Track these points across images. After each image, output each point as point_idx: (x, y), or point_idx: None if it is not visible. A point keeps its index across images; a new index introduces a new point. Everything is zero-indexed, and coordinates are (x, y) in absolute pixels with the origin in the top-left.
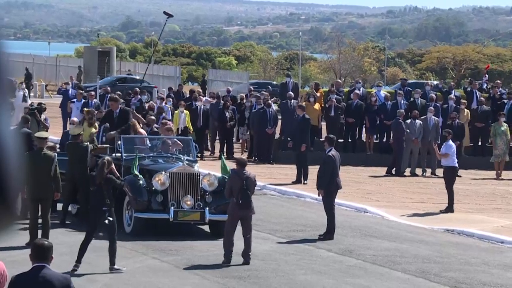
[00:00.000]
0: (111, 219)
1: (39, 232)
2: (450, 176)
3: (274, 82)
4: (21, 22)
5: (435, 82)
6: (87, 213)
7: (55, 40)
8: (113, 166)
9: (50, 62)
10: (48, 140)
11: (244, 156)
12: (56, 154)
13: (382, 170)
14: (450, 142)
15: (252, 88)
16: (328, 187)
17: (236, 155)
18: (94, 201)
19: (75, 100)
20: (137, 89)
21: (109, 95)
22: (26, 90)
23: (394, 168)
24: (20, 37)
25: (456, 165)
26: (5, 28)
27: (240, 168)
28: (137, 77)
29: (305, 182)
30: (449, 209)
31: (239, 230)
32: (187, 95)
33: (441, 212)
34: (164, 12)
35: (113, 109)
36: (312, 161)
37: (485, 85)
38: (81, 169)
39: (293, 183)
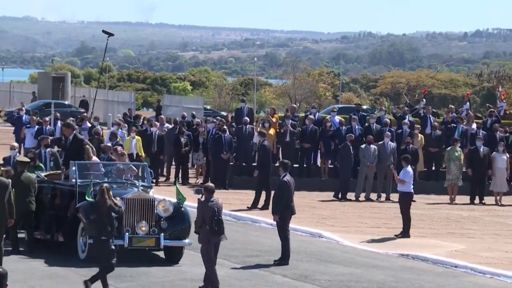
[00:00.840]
0: (113, 247)
1: None
2: (406, 202)
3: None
4: None
5: (364, 107)
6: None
7: (9, 66)
8: (110, 192)
9: (3, 88)
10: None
11: (200, 181)
12: (10, 180)
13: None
14: (408, 168)
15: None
16: (283, 212)
17: (191, 181)
18: (95, 229)
19: (29, 126)
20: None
21: (59, 121)
22: None
23: (340, 193)
24: None
25: (412, 191)
26: None
27: (209, 195)
28: (66, 102)
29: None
30: (405, 234)
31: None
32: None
33: (396, 236)
34: (103, 31)
35: (66, 135)
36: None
37: (423, 110)
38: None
39: (249, 208)
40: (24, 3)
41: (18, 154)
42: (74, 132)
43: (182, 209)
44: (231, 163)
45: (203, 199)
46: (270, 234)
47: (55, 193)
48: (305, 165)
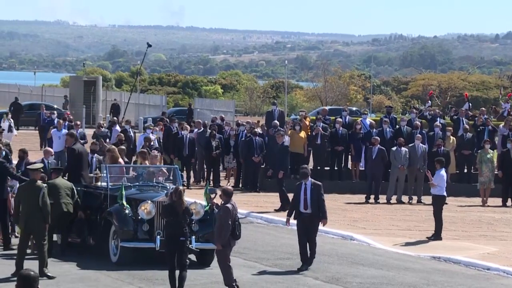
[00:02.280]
0: (194, 248)
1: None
2: (438, 205)
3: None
4: (7, 52)
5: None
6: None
7: (41, 70)
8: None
9: (35, 92)
10: (41, 171)
11: (230, 184)
12: (45, 185)
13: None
14: (442, 171)
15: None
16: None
17: (222, 183)
18: (172, 231)
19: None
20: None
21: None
22: (12, 121)
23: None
24: (5, 67)
25: (445, 194)
26: None
27: (228, 198)
28: (55, 106)
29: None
30: (437, 236)
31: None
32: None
33: (428, 239)
34: (148, 44)
35: (68, 144)
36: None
37: (428, 112)
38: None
39: (276, 210)
40: (54, 7)
41: (53, 159)
42: (75, 143)
43: (214, 212)
44: (262, 166)
45: (221, 202)
46: None
47: (87, 197)
48: (336, 168)
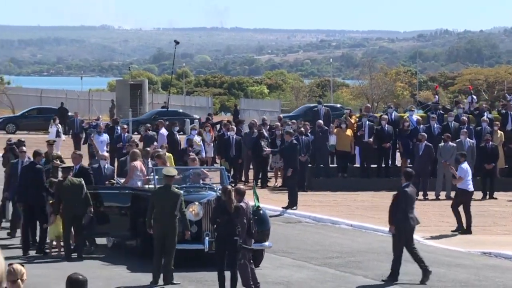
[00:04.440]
0: (248, 246)
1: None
2: (464, 199)
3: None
4: (54, 58)
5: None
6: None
7: (88, 75)
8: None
9: (82, 96)
10: (175, 177)
11: (278, 184)
12: (182, 192)
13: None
14: (464, 165)
15: (282, 116)
16: (399, 224)
17: (269, 184)
18: (224, 231)
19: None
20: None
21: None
22: (60, 126)
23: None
24: (53, 72)
25: (471, 188)
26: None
27: (240, 197)
28: (180, 110)
29: (295, 207)
30: (460, 229)
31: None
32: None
33: (453, 232)
34: (175, 41)
35: (74, 164)
36: (342, 187)
37: (434, 106)
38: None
39: (284, 208)
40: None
41: (107, 164)
42: (80, 164)
43: (261, 212)
44: (309, 165)
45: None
46: (350, 235)
47: (134, 199)
48: (383, 165)
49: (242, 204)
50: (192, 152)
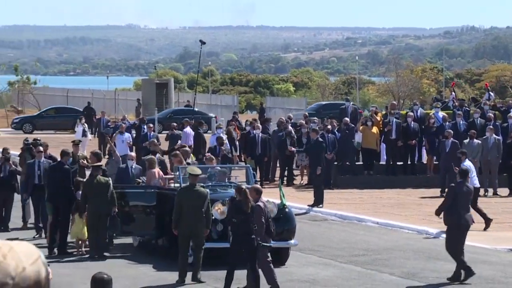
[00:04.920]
0: (268, 244)
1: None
2: (474, 195)
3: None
4: (80, 58)
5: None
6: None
7: (114, 74)
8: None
9: (109, 96)
10: (200, 176)
11: (304, 181)
12: (208, 190)
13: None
14: (466, 162)
15: (307, 114)
16: (451, 223)
17: (296, 182)
18: (241, 230)
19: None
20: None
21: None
22: (86, 125)
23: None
24: (79, 72)
25: (477, 184)
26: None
27: (258, 196)
28: (196, 109)
29: (321, 205)
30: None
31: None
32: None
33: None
34: (200, 41)
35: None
36: (368, 185)
37: (452, 102)
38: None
39: (310, 206)
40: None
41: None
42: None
43: (287, 210)
44: (335, 163)
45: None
46: (376, 233)
47: (160, 198)
48: (409, 162)
49: (260, 203)
50: (224, 151)
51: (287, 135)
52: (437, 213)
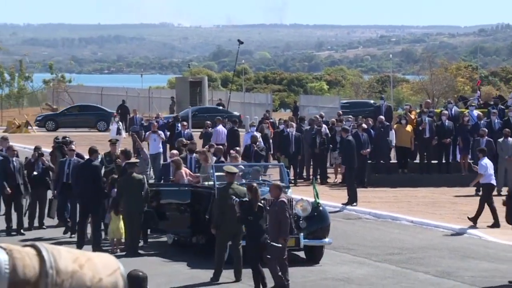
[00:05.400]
0: (278, 245)
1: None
2: (485, 193)
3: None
4: (114, 56)
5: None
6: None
7: (148, 72)
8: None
9: (143, 94)
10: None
11: (338, 180)
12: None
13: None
14: (483, 160)
15: (341, 112)
16: None
17: (329, 180)
18: (252, 229)
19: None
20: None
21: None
22: (121, 123)
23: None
24: (113, 70)
25: (493, 182)
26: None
27: (280, 193)
28: (220, 107)
29: (355, 204)
30: (474, 220)
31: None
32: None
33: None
34: (238, 40)
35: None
36: (402, 183)
37: (477, 101)
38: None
39: (344, 204)
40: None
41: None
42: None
43: (321, 208)
44: (369, 161)
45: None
46: (411, 232)
47: (194, 196)
48: (444, 161)
49: (283, 199)
50: (257, 148)
51: (317, 134)
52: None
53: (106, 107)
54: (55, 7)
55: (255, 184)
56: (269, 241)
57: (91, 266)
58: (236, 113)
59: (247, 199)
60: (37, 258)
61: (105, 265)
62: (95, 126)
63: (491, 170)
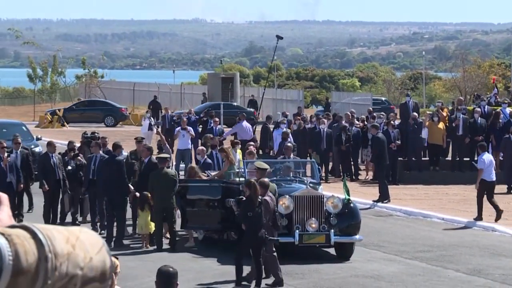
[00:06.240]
0: (274, 238)
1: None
2: (483, 188)
3: (383, 98)
4: (147, 52)
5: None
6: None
7: (180, 68)
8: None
9: (175, 90)
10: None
11: (369, 177)
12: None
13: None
14: (484, 156)
15: (372, 109)
16: None
17: (361, 177)
18: (252, 224)
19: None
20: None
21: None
22: (152, 119)
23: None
24: (146, 66)
25: (492, 178)
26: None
27: (265, 191)
28: (234, 103)
29: (386, 201)
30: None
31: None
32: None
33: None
34: (277, 36)
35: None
36: (433, 181)
37: (494, 98)
38: None
39: (375, 201)
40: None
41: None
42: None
43: (351, 205)
44: (400, 158)
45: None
46: (441, 229)
47: (225, 192)
48: (476, 158)
49: (266, 197)
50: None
51: (342, 130)
52: None
53: (138, 102)
54: (88, 2)
55: (253, 180)
56: (267, 236)
57: (81, 245)
58: (251, 109)
59: (242, 197)
60: (33, 242)
61: (91, 242)
62: (102, 121)
63: (490, 166)
